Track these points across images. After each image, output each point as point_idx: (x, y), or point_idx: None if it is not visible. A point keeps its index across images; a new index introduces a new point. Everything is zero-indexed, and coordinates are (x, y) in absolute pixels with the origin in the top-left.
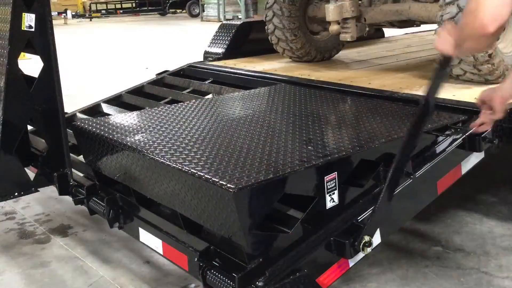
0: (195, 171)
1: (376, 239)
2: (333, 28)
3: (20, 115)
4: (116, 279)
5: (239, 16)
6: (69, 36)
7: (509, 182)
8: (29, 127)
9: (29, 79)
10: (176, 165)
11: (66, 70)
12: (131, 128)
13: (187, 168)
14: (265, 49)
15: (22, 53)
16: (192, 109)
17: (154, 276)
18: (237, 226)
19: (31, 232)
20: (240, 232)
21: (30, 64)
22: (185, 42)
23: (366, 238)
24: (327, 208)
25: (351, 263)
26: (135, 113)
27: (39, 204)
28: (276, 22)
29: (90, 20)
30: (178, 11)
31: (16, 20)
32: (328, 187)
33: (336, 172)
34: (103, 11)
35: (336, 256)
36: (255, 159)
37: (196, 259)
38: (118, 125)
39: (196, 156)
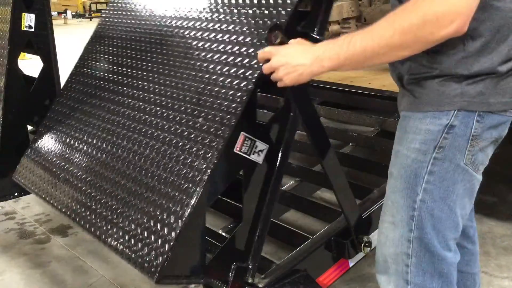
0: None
1: (376, 239)
2: (333, 28)
3: (20, 115)
4: (116, 279)
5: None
6: (69, 36)
7: (509, 182)
8: (29, 127)
9: (29, 79)
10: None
11: (66, 70)
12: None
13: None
14: None
15: (22, 53)
16: None
17: None
18: None
19: (31, 232)
20: None
21: (30, 64)
22: None
23: (366, 238)
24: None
25: (351, 263)
26: None
27: (39, 204)
28: None
29: (90, 20)
30: None
31: (16, 20)
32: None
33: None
34: (103, 11)
35: (336, 256)
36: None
37: None
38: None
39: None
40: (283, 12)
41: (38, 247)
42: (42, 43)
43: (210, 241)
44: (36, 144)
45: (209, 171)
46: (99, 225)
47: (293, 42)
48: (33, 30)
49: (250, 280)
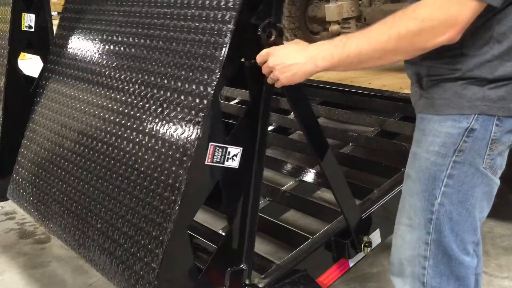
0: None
1: (376, 239)
2: (333, 28)
3: (20, 115)
4: None
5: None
6: None
7: (509, 182)
8: None
9: (29, 79)
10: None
11: None
12: None
13: None
14: None
15: (22, 53)
16: None
17: None
18: None
19: (31, 232)
20: None
21: (30, 64)
22: None
23: (366, 238)
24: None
25: (351, 263)
26: None
27: None
28: None
29: None
30: None
31: (16, 20)
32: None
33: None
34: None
35: (336, 256)
36: None
37: None
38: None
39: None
40: (230, 4)
41: (38, 247)
42: (42, 43)
43: (210, 241)
44: (21, 159)
45: (182, 189)
46: (91, 255)
47: (290, 42)
48: (33, 30)
49: (247, 282)
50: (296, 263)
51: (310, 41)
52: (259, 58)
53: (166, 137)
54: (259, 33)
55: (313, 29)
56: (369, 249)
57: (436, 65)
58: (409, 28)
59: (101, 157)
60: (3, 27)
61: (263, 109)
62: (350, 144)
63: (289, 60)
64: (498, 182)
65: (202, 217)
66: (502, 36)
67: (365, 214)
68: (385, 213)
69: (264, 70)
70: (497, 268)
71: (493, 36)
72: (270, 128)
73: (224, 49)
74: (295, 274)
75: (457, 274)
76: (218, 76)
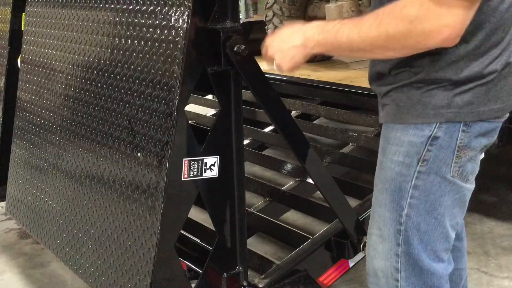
0: None
1: None
2: None
3: None
4: None
5: (240, 16)
6: None
7: (509, 182)
8: None
9: None
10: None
11: None
12: None
13: None
14: None
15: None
16: None
17: None
18: None
19: None
20: None
21: None
22: None
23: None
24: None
25: (351, 263)
26: None
27: None
28: (276, 22)
29: None
30: None
31: (16, 20)
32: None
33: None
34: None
35: (336, 256)
36: None
37: None
38: None
39: None
40: (180, 9)
41: (38, 247)
42: None
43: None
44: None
45: (160, 213)
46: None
47: (284, 27)
48: None
49: (245, 283)
50: (296, 263)
51: None
52: (263, 50)
53: (140, 155)
54: (226, 50)
55: None
56: None
57: (398, 66)
58: (398, 28)
59: (85, 180)
60: (3, 27)
61: (234, 113)
62: (350, 144)
63: (285, 45)
64: (471, 187)
65: (202, 217)
66: (470, 35)
67: (365, 215)
68: None
69: (267, 60)
70: (497, 268)
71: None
72: (269, 128)
73: (182, 62)
74: (295, 274)
75: (430, 285)
76: (178, 91)
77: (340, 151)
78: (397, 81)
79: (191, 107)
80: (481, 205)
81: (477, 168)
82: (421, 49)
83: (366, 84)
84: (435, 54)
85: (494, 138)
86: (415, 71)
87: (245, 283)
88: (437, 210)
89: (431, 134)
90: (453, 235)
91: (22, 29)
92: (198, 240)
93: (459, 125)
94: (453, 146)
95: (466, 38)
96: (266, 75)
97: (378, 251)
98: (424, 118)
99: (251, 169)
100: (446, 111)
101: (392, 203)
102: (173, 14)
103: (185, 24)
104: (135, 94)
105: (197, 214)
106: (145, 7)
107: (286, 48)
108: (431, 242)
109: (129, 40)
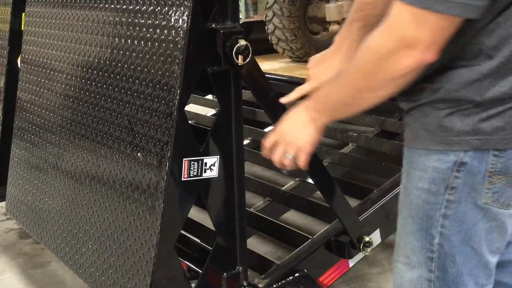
0: None
1: (376, 239)
2: (333, 28)
3: None
4: None
5: (239, 16)
6: None
7: None
8: None
9: None
10: None
11: None
12: None
13: None
14: (265, 49)
15: None
16: None
17: None
18: None
19: None
20: None
21: None
22: None
23: (366, 238)
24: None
25: (351, 263)
26: None
27: None
28: (276, 22)
29: None
30: None
31: (16, 20)
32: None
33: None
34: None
35: (336, 256)
36: None
37: None
38: None
39: None
40: (180, 9)
41: (38, 247)
42: None
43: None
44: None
45: (160, 213)
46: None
47: (285, 115)
48: None
49: (245, 283)
50: (296, 263)
51: (310, 41)
52: (267, 152)
53: (140, 156)
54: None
55: (313, 29)
56: (369, 249)
57: (422, 80)
58: (365, 61)
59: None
60: (3, 27)
61: (234, 113)
62: (350, 144)
63: (289, 137)
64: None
65: (202, 217)
66: (494, 50)
67: (365, 215)
68: (385, 213)
69: (277, 159)
70: None
71: (483, 51)
72: (269, 128)
73: (182, 62)
74: (295, 274)
75: None
76: (178, 91)
77: (340, 151)
78: (420, 98)
79: (191, 107)
80: None
81: None
82: (400, 76)
83: None
84: (453, 69)
85: None
86: (436, 87)
87: (245, 283)
88: (473, 239)
89: (457, 160)
90: (493, 261)
91: (22, 29)
92: (198, 240)
93: (489, 151)
94: (483, 172)
95: (489, 53)
96: (266, 75)
97: (406, 278)
98: (447, 145)
99: (251, 169)
100: (471, 138)
101: (421, 232)
102: (173, 14)
103: (185, 24)
104: (135, 94)
105: (197, 214)
106: (145, 7)
107: (289, 141)
108: (469, 271)
109: (129, 40)
